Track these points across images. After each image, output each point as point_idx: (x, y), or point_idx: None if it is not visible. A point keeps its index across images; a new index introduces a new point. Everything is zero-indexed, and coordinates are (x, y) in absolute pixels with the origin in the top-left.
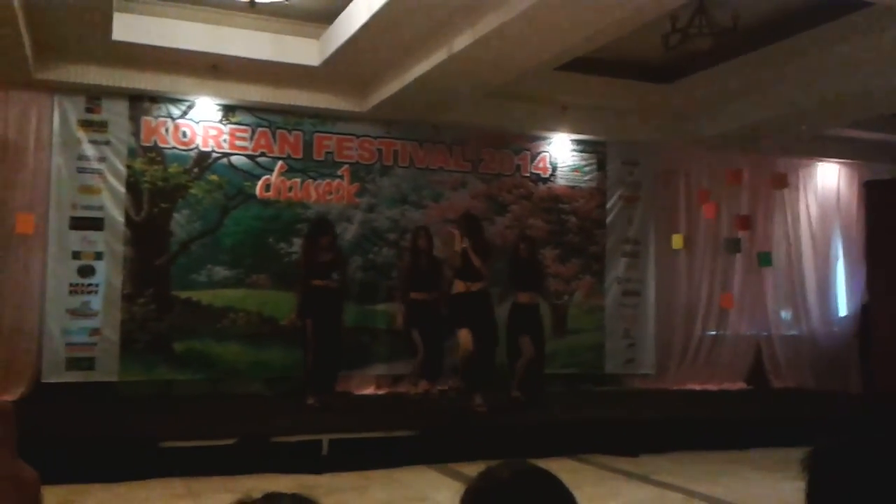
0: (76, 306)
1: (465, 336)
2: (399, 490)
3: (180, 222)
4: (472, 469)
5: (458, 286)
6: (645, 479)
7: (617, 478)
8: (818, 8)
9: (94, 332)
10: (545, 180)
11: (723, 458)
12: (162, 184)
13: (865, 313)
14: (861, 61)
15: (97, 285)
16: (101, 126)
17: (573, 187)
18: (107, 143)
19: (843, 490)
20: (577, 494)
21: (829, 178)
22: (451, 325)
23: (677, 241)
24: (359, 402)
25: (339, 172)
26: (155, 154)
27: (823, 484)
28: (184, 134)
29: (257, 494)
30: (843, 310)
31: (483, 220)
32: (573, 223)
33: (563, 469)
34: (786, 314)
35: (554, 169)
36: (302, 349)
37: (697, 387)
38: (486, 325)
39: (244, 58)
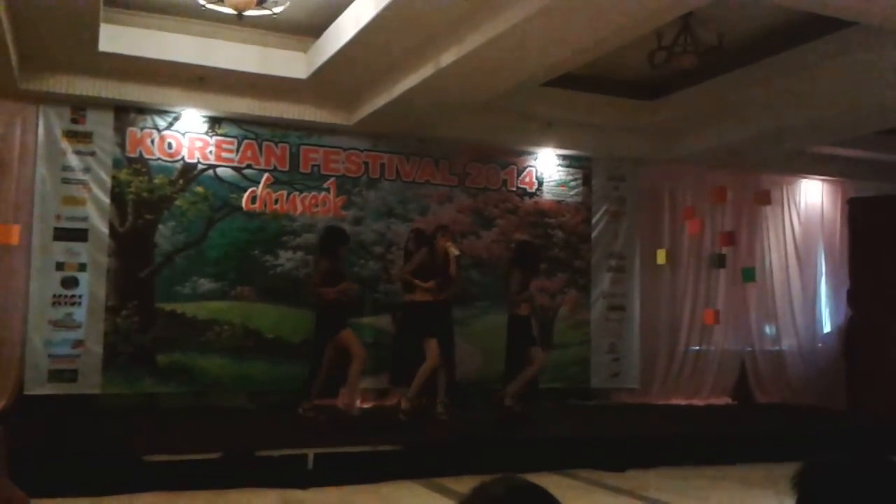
0: (59, 318)
1: (434, 345)
2: None
3: (165, 234)
4: (459, 484)
5: (426, 295)
6: (632, 494)
7: (604, 493)
8: (802, 27)
9: (78, 343)
10: (531, 195)
11: (710, 474)
12: (147, 195)
13: (850, 330)
14: (845, 80)
15: (81, 297)
16: (86, 137)
17: (559, 202)
18: (92, 153)
19: None
20: None
21: (812, 195)
22: (416, 333)
23: (661, 256)
24: (344, 415)
25: (325, 185)
26: (140, 165)
27: (814, 502)
28: (169, 145)
29: None
30: (826, 326)
31: (469, 234)
32: (559, 237)
33: (550, 484)
34: (770, 330)
35: (540, 183)
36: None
37: (683, 401)
38: (450, 334)
39: (231, 70)
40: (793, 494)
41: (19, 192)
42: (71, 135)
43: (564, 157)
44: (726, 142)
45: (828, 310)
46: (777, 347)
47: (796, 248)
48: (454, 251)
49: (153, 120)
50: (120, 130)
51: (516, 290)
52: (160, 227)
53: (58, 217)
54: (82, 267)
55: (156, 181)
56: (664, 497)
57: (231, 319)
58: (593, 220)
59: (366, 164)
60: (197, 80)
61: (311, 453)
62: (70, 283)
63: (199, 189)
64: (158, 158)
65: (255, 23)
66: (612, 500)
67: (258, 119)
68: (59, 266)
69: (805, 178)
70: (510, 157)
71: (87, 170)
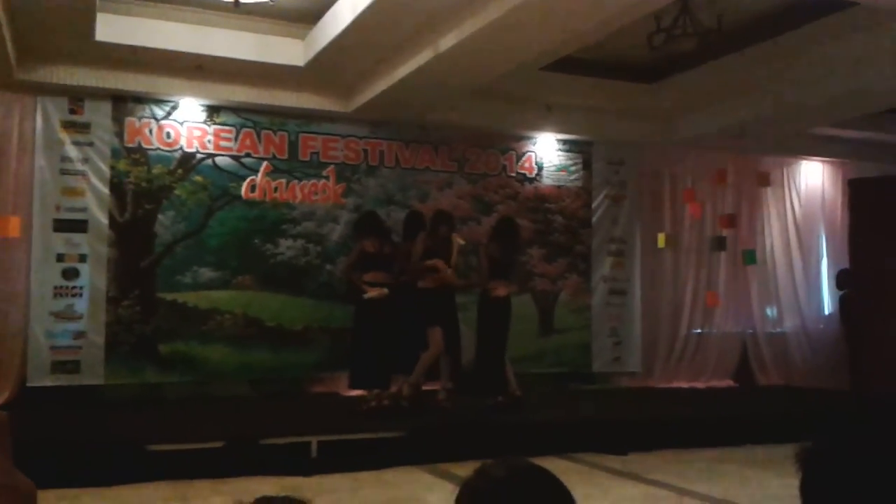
0: (60, 309)
1: (437, 333)
2: (389, 491)
3: (165, 224)
4: (462, 469)
5: (430, 282)
6: (635, 477)
7: (607, 476)
8: (802, 8)
9: (79, 335)
10: (531, 180)
11: (712, 456)
12: (146, 185)
13: (843, 311)
14: (844, 60)
15: (82, 288)
16: (85, 127)
17: (559, 187)
18: (90, 144)
19: (837, 487)
20: None
21: (813, 176)
22: (423, 320)
23: (661, 240)
24: (346, 402)
25: (324, 173)
26: (139, 155)
27: (818, 481)
28: (168, 135)
29: (248, 498)
30: (827, 307)
31: (469, 220)
32: (559, 222)
33: (553, 468)
34: (771, 312)
35: (540, 169)
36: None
37: (685, 385)
38: (455, 322)
39: (229, 58)
40: (797, 475)
41: (18, 184)
42: (69, 125)
43: (564, 142)
44: (726, 124)
45: (829, 291)
46: (779, 329)
47: (797, 229)
48: (460, 241)
49: (151, 109)
50: (118, 120)
51: (486, 269)
52: (160, 216)
53: (57, 208)
54: (83, 258)
55: (154, 171)
56: (668, 480)
57: (232, 308)
58: (593, 205)
59: (365, 151)
60: (194, 68)
61: (314, 441)
62: (71, 274)
63: (199, 178)
64: (157, 148)
65: (252, 10)
66: (615, 483)
67: (256, 107)
68: (60, 257)
69: (805, 159)
70: (509, 143)
71: (85, 160)
